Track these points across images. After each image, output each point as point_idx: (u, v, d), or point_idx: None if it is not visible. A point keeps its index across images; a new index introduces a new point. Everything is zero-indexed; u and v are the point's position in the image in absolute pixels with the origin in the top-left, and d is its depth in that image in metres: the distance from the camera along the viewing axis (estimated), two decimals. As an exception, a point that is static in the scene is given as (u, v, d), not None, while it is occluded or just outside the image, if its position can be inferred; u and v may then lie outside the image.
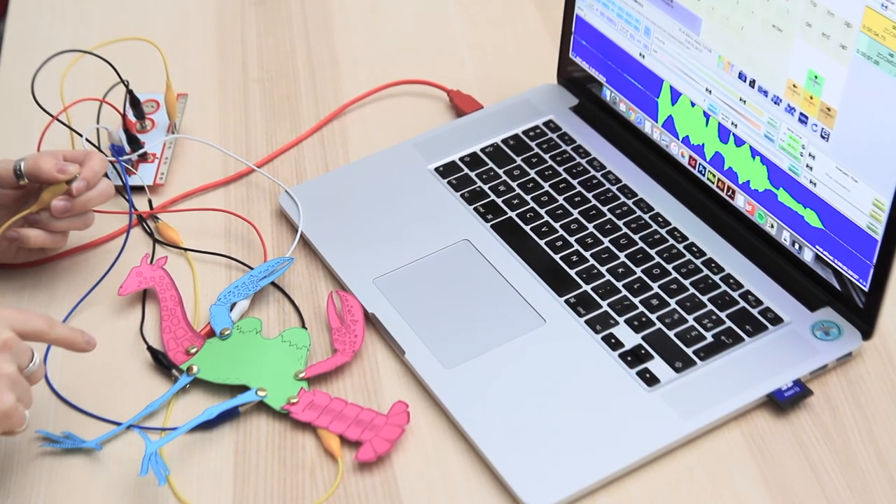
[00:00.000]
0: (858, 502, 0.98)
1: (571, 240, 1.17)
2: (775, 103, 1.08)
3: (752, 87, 1.10)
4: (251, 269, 1.16)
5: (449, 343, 1.08)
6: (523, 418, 1.03)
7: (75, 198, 1.11)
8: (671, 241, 1.16)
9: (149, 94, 1.32)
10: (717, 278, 1.12)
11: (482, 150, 1.27)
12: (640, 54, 1.22)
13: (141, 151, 1.26)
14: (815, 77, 1.04)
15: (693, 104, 1.17)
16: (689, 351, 1.06)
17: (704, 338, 1.07)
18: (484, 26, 1.46)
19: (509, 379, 1.05)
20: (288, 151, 1.30)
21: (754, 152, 1.12)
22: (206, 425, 1.04)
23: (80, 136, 1.23)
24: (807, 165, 1.07)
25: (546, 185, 1.22)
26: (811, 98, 1.05)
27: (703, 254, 1.14)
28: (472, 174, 1.24)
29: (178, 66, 1.36)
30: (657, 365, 1.06)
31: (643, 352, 1.07)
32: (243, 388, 1.06)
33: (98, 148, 1.25)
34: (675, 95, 1.19)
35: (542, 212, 1.20)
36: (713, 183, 1.18)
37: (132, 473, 1.01)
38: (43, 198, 1.11)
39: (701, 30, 1.14)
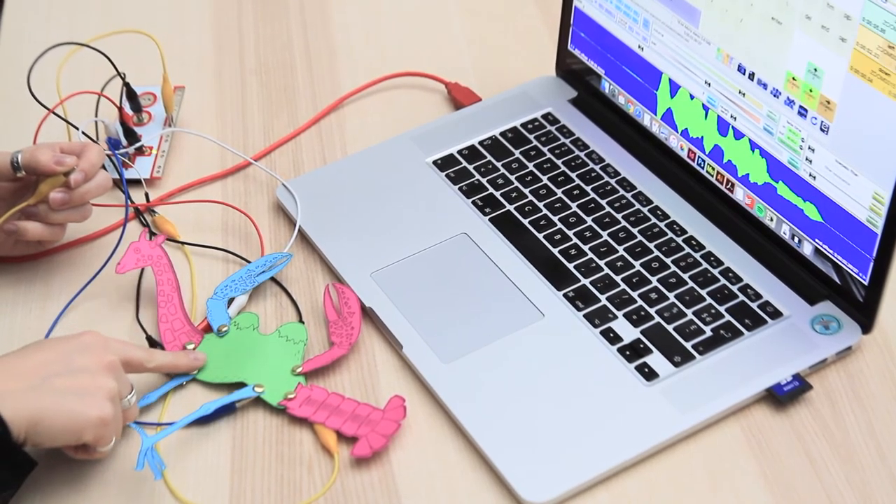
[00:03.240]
0: (858, 496, 0.98)
1: (570, 233, 1.16)
2: (774, 96, 1.08)
3: (752, 79, 1.10)
4: (248, 262, 1.15)
5: (447, 337, 1.08)
6: (521, 413, 1.02)
7: (73, 190, 1.11)
8: (670, 235, 1.15)
9: (145, 86, 1.31)
10: (716, 272, 1.12)
11: (480, 142, 1.26)
12: (639, 46, 1.21)
13: (138, 145, 1.25)
14: (815, 70, 1.03)
15: (692, 97, 1.17)
16: (688, 345, 1.06)
17: (703, 332, 1.07)
18: (482, 18, 1.45)
19: (507, 373, 1.05)
20: (285, 144, 1.30)
21: (753, 145, 1.12)
22: (203, 420, 1.03)
23: (77, 129, 1.22)
24: (806, 159, 1.07)
25: (545, 178, 1.22)
26: (811, 91, 1.04)
27: (702, 247, 1.14)
28: (471, 167, 1.24)
29: (175, 58, 1.36)
30: (656, 359, 1.05)
31: (642, 346, 1.06)
32: (240, 384, 1.05)
33: (95, 141, 1.25)
34: (674, 88, 1.18)
35: (540, 205, 1.19)
36: (712, 176, 1.17)
37: (128, 468, 1.00)
38: (41, 190, 1.11)
39: (700, 22, 1.13)
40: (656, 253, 1.14)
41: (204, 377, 1.06)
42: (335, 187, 1.22)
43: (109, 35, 1.28)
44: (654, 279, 1.12)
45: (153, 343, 1.09)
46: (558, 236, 1.16)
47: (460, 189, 1.22)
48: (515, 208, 1.19)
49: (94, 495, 1.00)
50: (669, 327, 1.08)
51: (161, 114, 1.30)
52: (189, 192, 1.25)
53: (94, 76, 1.29)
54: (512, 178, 1.22)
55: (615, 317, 1.09)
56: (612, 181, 1.21)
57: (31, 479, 0.99)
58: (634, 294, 1.10)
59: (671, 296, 1.10)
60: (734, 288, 1.10)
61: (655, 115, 1.22)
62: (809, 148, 1.06)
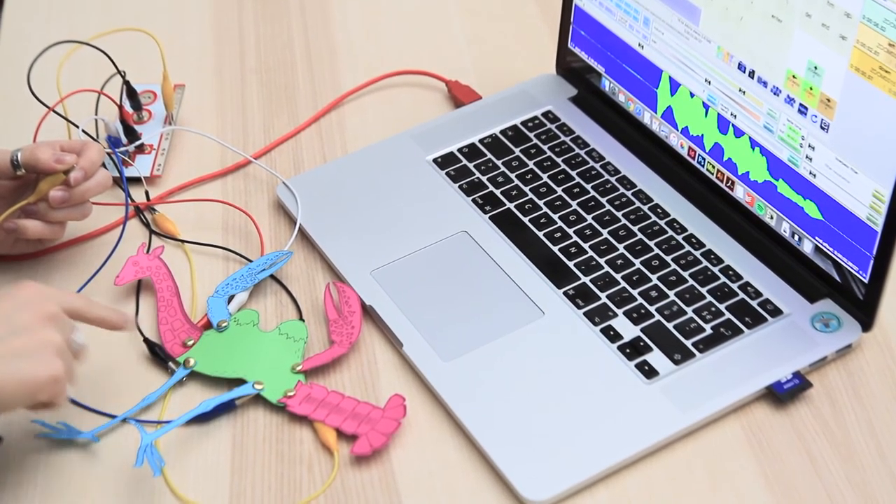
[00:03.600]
0: (858, 495, 0.98)
1: (570, 231, 1.16)
2: (775, 94, 1.08)
3: (752, 77, 1.10)
4: (249, 261, 1.15)
5: (447, 335, 1.08)
6: (521, 411, 1.02)
7: (73, 188, 1.11)
8: (670, 233, 1.15)
9: (146, 84, 1.31)
10: (716, 270, 1.12)
11: (480, 140, 1.26)
12: (639, 44, 1.21)
13: (138, 143, 1.25)
14: (815, 68, 1.03)
15: (692, 95, 1.17)
16: (689, 343, 1.06)
17: (703, 330, 1.07)
18: (483, 16, 1.45)
19: (507, 371, 1.05)
20: (286, 143, 1.30)
21: (754, 143, 1.12)
22: (203, 418, 1.03)
23: (77, 127, 1.22)
24: (806, 156, 1.07)
25: (545, 177, 1.22)
26: (811, 89, 1.04)
27: (702, 245, 1.14)
28: (471, 165, 1.24)
29: (175, 56, 1.36)
30: (656, 357, 1.05)
31: (642, 344, 1.06)
32: (240, 381, 1.05)
33: (95, 139, 1.24)
34: (675, 86, 1.18)
35: (540, 203, 1.19)
36: (712, 174, 1.17)
37: (128, 466, 1.00)
38: (40, 188, 1.11)
39: (700, 20, 1.13)
40: (656, 251, 1.14)
41: (203, 370, 1.06)
42: (335, 185, 1.22)
43: (109, 33, 1.28)
44: (654, 277, 1.11)
45: (152, 347, 1.08)
46: (558, 234, 1.16)
47: (460, 187, 1.21)
48: (515, 206, 1.19)
49: (93, 492, 1.00)
50: (669, 325, 1.08)
51: (161, 112, 1.30)
52: (189, 190, 1.25)
53: (95, 74, 1.29)
54: (512, 176, 1.22)
55: (615, 315, 1.09)
56: (613, 179, 1.21)
57: (29, 475, 1.00)
58: (634, 292, 1.10)
59: (671, 294, 1.10)
60: (734, 286, 1.10)
61: (656, 113, 1.22)
62: (810, 146, 1.06)
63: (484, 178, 1.22)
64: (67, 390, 0.96)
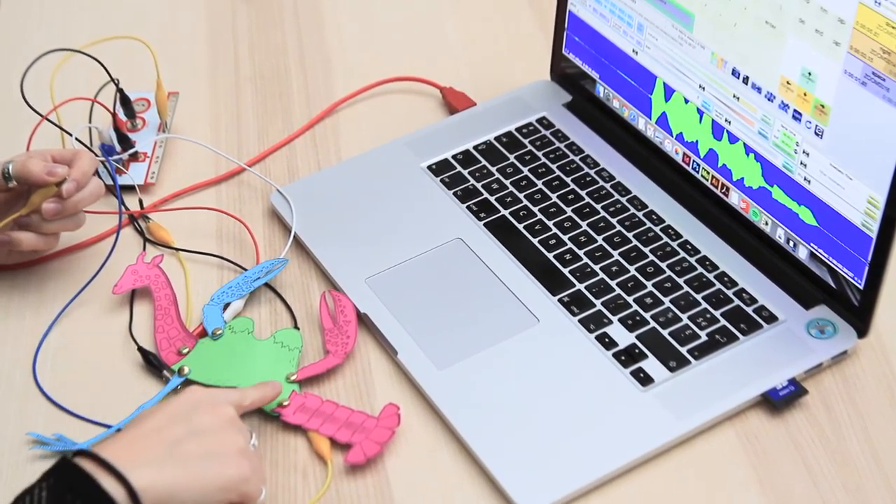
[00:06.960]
0: (853, 502, 0.98)
1: (565, 238, 1.16)
2: (769, 100, 1.08)
3: (746, 83, 1.10)
4: (243, 269, 1.15)
5: (442, 343, 1.08)
6: (516, 419, 1.02)
7: (65, 199, 1.10)
8: (665, 239, 1.15)
9: (139, 92, 1.31)
10: (711, 276, 1.11)
11: (475, 147, 1.26)
12: (634, 51, 1.21)
13: (132, 151, 1.25)
14: (809, 74, 1.03)
15: (687, 101, 1.17)
16: (684, 350, 1.06)
17: (699, 336, 1.07)
18: (477, 23, 1.45)
19: (502, 379, 1.05)
20: (280, 150, 1.30)
21: (748, 149, 1.12)
22: (197, 427, 1.03)
23: (70, 135, 1.22)
24: (801, 163, 1.07)
25: (539, 183, 1.22)
26: (805, 95, 1.04)
27: (697, 251, 1.14)
28: (465, 172, 1.23)
29: (169, 64, 1.35)
30: (651, 364, 1.05)
31: (637, 351, 1.06)
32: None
33: (89, 148, 1.24)
34: (669, 92, 1.18)
35: (535, 210, 1.19)
36: (707, 180, 1.17)
37: (123, 476, 1.00)
38: (33, 200, 1.10)
39: (694, 26, 1.13)
40: (651, 257, 1.14)
41: (198, 378, 1.06)
42: (330, 193, 1.22)
43: (103, 41, 1.27)
44: (649, 284, 1.11)
45: (147, 356, 1.08)
46: (553, 241, 1.16)
47: (455, 194, 1.21)
48: (510, 213, 1.19)
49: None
50: (664, 332, 1.07)
51: (155, 120, 1.30)
52: (183, 198, 1.25)
53: (88, 82, 1.29)
54: (506, 182, 1.22)
55: (610, 322, 1.09)
56: (607, 185, 1.21)
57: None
58: (629, 299, 1.10)
59: (666, 300, 1.10)
60: (729, 292, 1.10)
61: (650, 119, 1.22)
62: (804, 152, 1.06)
63: (478, 185, 1.22)
64: (262, 492, 0.95)
